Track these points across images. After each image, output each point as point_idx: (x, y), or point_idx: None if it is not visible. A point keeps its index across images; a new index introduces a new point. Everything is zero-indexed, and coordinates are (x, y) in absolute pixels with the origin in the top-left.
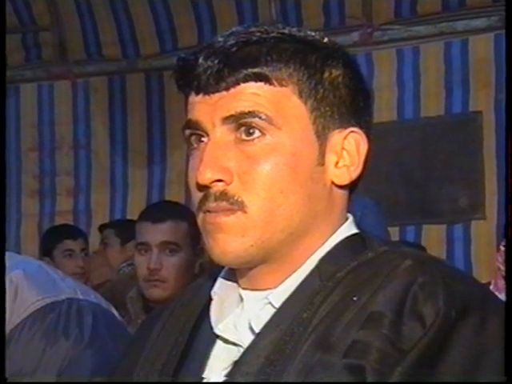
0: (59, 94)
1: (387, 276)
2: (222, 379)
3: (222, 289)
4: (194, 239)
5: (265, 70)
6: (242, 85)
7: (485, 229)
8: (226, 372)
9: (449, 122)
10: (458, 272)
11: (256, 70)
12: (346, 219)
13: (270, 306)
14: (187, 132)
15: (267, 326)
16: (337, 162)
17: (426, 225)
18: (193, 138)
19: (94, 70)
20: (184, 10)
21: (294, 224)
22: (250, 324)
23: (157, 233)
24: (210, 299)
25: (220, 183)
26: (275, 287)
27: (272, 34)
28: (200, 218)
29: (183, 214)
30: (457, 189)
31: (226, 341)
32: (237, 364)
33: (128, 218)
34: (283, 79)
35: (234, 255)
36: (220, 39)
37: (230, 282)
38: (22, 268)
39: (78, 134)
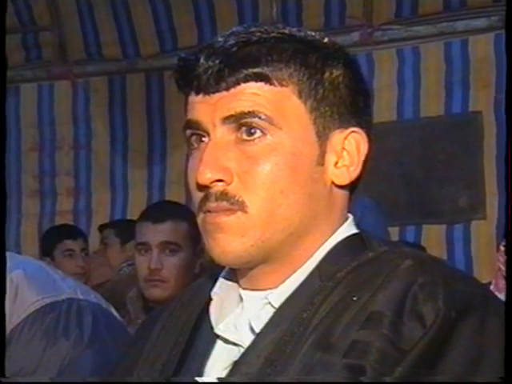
0: (59, 94)
1: (387, 276)
2: None
3: (222, 289)
4: (195, 239)
5: (265, 70)
6: (243, 85)
7: (485, 229)
8: (226, 372)
9: (449, 122)
10: (458, 272)
11: (256, 69)
12: (346, 219)
13: (269, 305)
14: (187, 132)
15: (267, 326)
16: (337, 162)
17: (426, 225)
18: (193, 138)
19: (94, 69)
20: (184, 10)
21: (294, 224)
22: (250, 324)
23: (157, 233)
24: (210, 299)
25: (220, 183)
26: (275, 287)
27: (272, 34)
28: (200, 218)
29: (183, 214)
30: (457, 189)
31: (226, 341)
32: (237, 364)
33: (128, 218)
34: (283, 79)
35: (234, 255)
36: (220, 39)
37: (230, 282)
38: (22, 268)
39: (78, 133)
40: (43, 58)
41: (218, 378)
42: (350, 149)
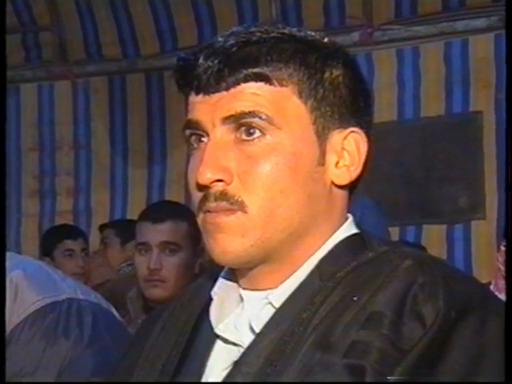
0: (59, 94)
1: (387, 276)
2: (222, 379)
3: (222, 289)
4: (194, 239)
5: (265, 70)
6: (242, 85)
7: (485, 229)
8: (226, 372)
9: (449, 122)
10: (459, 272)
11: (256, 69)
12: (346, 219)
13: (270, 305)
14: (187, 132)
15: (267, 326)
16: (337, 162)
17: (426, 225)
18: (193, 138)
19: (94, 69)
20: (184, 10)
21: (294, 224)
22: (250, 324)
23: (157, 233)
24: (210, 299)
25: (220, 183)
26: (275, 287)
27: (272, 34)
28: (200, 218)
29: (183, 214)
30: (457, 189)
31: (226, 341)
32: (237, 364)
33: (128, 217)
34: (283, 79)
35: (234, 255)
36: (220, 39)
37: (230, 282)
38: (22, 268)
39: (78, 134)
40: (43, 58)
41: (218, 378)
42: (350, 149)
